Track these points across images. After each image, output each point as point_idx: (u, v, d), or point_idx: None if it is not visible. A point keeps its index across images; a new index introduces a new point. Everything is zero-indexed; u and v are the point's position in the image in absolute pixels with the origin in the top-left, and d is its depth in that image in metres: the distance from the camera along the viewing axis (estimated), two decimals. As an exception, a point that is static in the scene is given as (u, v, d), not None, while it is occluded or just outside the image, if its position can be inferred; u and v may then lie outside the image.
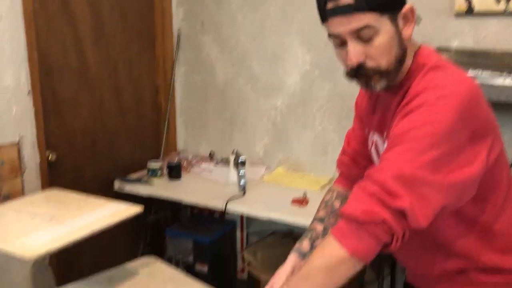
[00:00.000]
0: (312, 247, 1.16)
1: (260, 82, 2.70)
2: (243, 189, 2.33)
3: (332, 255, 0.88)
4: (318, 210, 1.26)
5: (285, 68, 2.62)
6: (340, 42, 0.99)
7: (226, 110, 2.86)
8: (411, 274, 1.18)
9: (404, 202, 0.84)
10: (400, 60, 0.98)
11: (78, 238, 1.28)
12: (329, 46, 2.48)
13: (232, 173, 2.42)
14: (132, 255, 2.73)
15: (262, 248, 2.53)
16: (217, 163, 2.82)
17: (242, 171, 2.35)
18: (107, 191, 2.53)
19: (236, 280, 2.97)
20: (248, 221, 2.92)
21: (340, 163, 1.33)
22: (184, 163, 2.75)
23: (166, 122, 2.92)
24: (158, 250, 2.93)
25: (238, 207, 2.22)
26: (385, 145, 0.99)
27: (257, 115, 2.75)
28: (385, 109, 1.07)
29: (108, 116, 2.61)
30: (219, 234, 2.77)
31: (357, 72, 1.00)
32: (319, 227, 1.21)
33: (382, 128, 1.08)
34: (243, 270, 2.98)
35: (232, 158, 2.40)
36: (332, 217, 1.23)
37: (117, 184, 2.53)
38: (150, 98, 2.89)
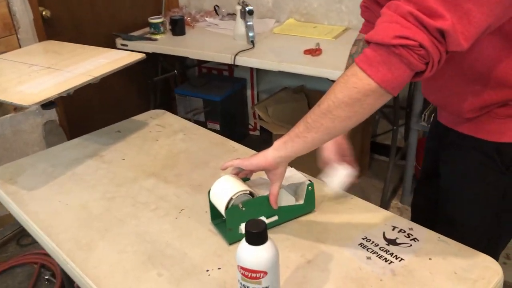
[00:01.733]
0: None
1: None
2: (252, 41, 2.20)
3: (357, 86, 0.79)
4: (346, 67, 1.15)
5: None
6: None
7: (230, -44, 2.59)
8: (442, 112, 1.10)
9: (446, 20, 0.72)
10: None
11: (79, 84, 1.19)
12: None
13: (239, 25, 2.26)
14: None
15: (274, 103, 2.48)
16: (223, 17, 2.64)
17: (250, 22, 2.19)
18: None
19: (249, 137, 2.98)
20: (258, 78, 2.82)
21: (363, 9, 1.18)
22: (188, 18, 2.57)
23: (166, -26, 2.68)
24: (168, 110, 2.90)
25: (248, 60, 2.10)
26: None
27: (264, -40, 2.50)
28: None
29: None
30: (230, 92, 2.71)
31: None
32: None
33: None
34: (254, 128, 2.97)
35: (238, 8, 2.22)
36: None
37: (119, 42, 2.40)
38: None
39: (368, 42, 0.79)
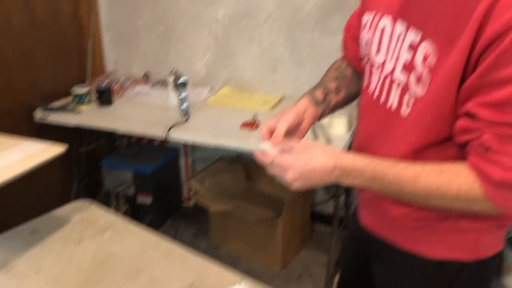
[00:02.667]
0: (325, 99, 1.03)
1: (198, -11, 2.35)
2: (186, 114, 2.08)
3: (473, 209, 0.79)
4: (327, 73, 1.11)
5: (226, -28, 2.27)
6: None
7: (160, 23, 2.50)
8: (365, 210, 1.04)
9: None
10: None
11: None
12: None
13: (172, 97, 2.14)
14: (66, 193, 2.47)
15: (210, 175, 2.35)
16: (153, 84, 2.51)
17: (183, 94, 2.08)
18: (28, 123, 2.19)
19: (182, 209, 2.81)
20: (192, 147, 2.70)
21: (343, 46, 1.15)
22: (115, 87, 2.42)
23: (91, 40, 2.53)
24: (95, 185, 2.68)
25: (181, 135, 1.98)
26: (413, 36, 0.82)
27: (197, 29, 2.43)
28: None
29: (18, 33, 2.19)
30: (162, 163, 2.55)
31: None
32: (332, 84, 1.06)
33: (410, 14, 0.85)
34: (189, 199, 2.81)
35: (171, 79, 2.11)
36: (345, 80, 1.09)
37: (38, 114, 2.19)
38: (69, 10, 2.46)
39: (502, 184, 0.75)
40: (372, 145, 0.93)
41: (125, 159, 2.55)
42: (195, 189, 2.25)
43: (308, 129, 1.00)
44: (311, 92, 1.02)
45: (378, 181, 0.81)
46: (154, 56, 2.57)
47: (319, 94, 1.02)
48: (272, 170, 0.86)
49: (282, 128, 0.90)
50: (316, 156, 0.83)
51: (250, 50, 2.36)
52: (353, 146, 1.06)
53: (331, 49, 2.19)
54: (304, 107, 0.98)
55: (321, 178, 0.83)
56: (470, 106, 0.76)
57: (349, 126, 1.99)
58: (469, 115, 0.77)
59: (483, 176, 0.76)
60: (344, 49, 1.14)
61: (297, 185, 0.84)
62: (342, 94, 1.06)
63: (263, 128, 0.94)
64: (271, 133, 0.92)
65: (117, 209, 2.48)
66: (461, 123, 0.79)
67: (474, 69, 0.75)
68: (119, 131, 2.13)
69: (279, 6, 2.23)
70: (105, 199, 2.55)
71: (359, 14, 1.07)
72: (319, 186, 0.84)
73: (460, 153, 0.82)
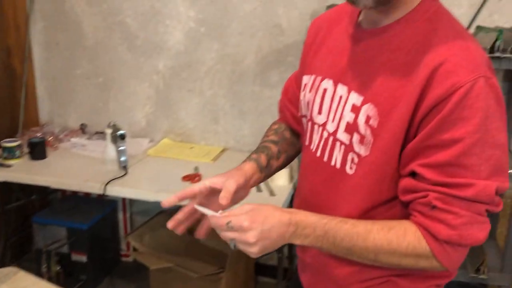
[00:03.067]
0: (268, 164, 1.02)
1: (138, 40, 2.34)
2: (125, 167, 2.02)
3: (424, 266, 0.81)
4: (267, 135, 1.10)
5: (166, 24, 2.28)
6: None
7: (98, 74, 2.45)
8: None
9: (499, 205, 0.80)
10: None
11: None
12: (216, 1, 2.23)
13: (110, 149, 2.07)
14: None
15: (149, 231, 2.26)
16: (90, 136, 2.43)
17: (122, 146, 2.02)
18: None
19: (121, 265, 2.67)
20: (131, 200, 2.60)
21: (280, 110, 1.17)
22: (50, 139, 2.32)
23: (24, 90, 2.43)
24: (25, 243, 2.50)
25: (120, 190, 1.90)
26: (355, 98, 0.84)
27: (137, 80, 2.40)
28: (363, 55, 0.86)
29: None
30: (99, 217, 2.43)
31: None
32: (274, 148, 1.06)
33: (350, 80, 0.87)
34: (128, 255, 2.68)
35: (109, 132, 2.05)
36: (285, 144, 1.09)
37: (-38, 169, 2.04)
38: (0, 60, 2.36)
39: (447, 241, 0.78)
40: (316, 202, 0.93)
41: (59, 214, 2.41)
42: (134, 246, 2.16)
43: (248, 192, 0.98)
44: (257, 157, 1.02)
45: (330, 238, 0.81)
46: (92, 107, 2.50)
47: (263, 159, 1.02)
48: (227, 234, 0.80)
49: (231, 187, 0.88)
50: (271, 213, 0.81)
51: (191, 101, 2.36)
52: (295, 204, 1.06)
53: (271, 102, 2.22)
54: (252, 172, 0.97)
55: (279, 236, 0.80)
56: (415, 166, 0.78)
57: (291, 177, 2.01)
58: (414, 175, 0.80)
59: (429, 234, 0.78)
60: (281, 112, 1.16)
61: (257, 248, 0.78)
62: (282, 159, 1.07)
63: (204, 184, 0.90)
64: (203, 191, 0.90)
65: (48, 269, 2.31)
66: (406, 182, 0.81)
67: (416, 131, 0.78)
68: (52, 186, 2.02)
69: (219, 59, 2.25)
70: (36, 258, 2.38)
71: (296, 77, 1.10)
72: (275, 248, 0.81)
73: (405, 211, 0.84)
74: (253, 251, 0.78)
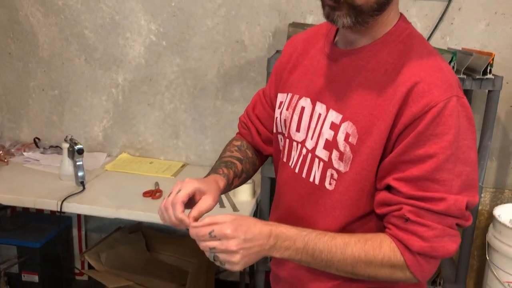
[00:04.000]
0: (232, 182, 1.03)
1: (97, 53, 2.28)
2: (82, 183, 1.95)
3: (399, 277, 0.83)
4: (231, 150, 1.09)
5: (126, 37, 2.25)
6: None
7: (53, 86, 2.37)
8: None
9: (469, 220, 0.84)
10: (382, 3, 0.81)
11: None
12: (178, 15, 2.23)
13: (66, 164, 2.00)
14: None
15: (107, 248, 2.19)
16: (44, 150, 2.34)
17: (79, 161, 1.95)
18: None
19: (75, 284, 2.57)
20: (86, 216, 2.51)
21: (242, 125, 1.15)
22: (0, 152, 2.21)
23: (-28, 101, 2.31)
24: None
25: (78, 207, 1.83)
26: (334, 116, 0.87)
27: (94, 93, 2.34)
28: (341, 75, 0.89)
29: None
30: (52, 235, 2.33)
31: None
32: (239, 166, 1.06)
33: (328, 99, 0.89)
34: (82, 273, 2.58)
35: (65, 146, 1.98)
36: (247, 163, 1.08)
37: None
38: None
39: (419, 253, 0.81)
40: (295, 218, 0.94)
41: (8, 232, 2.29)
42: (91, 264, 2.08)
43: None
44: (228, 173, 1.01)
45: (310, 250, 0.82)
46: (46, 120, 2.41)
47: (231, 177, 1.02)
48: (209, 244, 0.79)
49: (206, 208, 0.88)
50: (253, 224, 0.81)
51: (151, 115, 2.32)
52: (272, 219, 1.06)
53: (233, 117, 2.23)
54: (222, 186, 0.97)
55: (260, 247, 0.80)
56: (390, 180, 0.81)
57: (253, 193, 2.01)
58: (389, 188, 0.82)
59: (403, 245, 0.81)
60: (244, 127, 1.14)
61: (238, 257, 0.78)
62: (242, 178, 1.07)
63: (188, 193, 0.88)
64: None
65: (-3, 291, 2.19)
66: (382, 196, 0.83)
67: (393, 147, 0.81)
68: (3, 203, 1.92)
69: (181, 73, 2.24)
70: (-17, 279, 2.24)
71: (265, 94, 1.10)
72: (254, 261, 0.80)
73: (380, 225, 0.87)
74: (235, 260, 0.78)
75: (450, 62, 1.65)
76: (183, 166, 2.29)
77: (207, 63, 2.21)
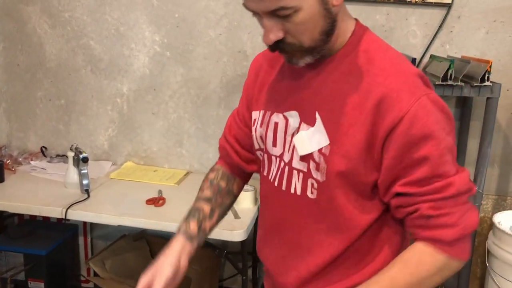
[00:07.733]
0: (200, 229, 1.02)
1: (102, 63, 2.33)
2: (87, 191, 1.98)
3: (444, 270, 0.85)
4: (202, 189, 1.10)
5: (131, 48, 2.29)
6: (258, 16, 0.83)
7: (60, 96, 2.42)
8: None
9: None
10: (328, 31, 0.84)
11: None
12: (182, 26, 2.27)
13: (71, 173, 2.04)
14: None
15: (111, 255, 2.21)
16: (51, 159, 2.38)
17: (84, 170, 1.99)
18: None
19: (81, 292, 2.59)
20: (92, 223, 2.55)
21: (221, 148, 1.16)
22: (8, 161, 2.26)
23: (-19, 111, 2.37)
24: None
25: (82, 214, 1.87)
26: (307, 128, 0.89)
27: (100, 103, 2.39)
28: (308, 89, 0.92)
29: None
30: (58, 243, 2.36)
31: (277, 47, 0.85)
32: (206, 208, 1.06)
33: (299, 112, 0.92)
34: (88, 281, 2.61)
35: (71, 155, 2.02)
36: (219, 197, 1.09)
37: None
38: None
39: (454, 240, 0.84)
40: (280, 229, 0.96)
41: (15, 240, 2.33)
42: (95, 271, 2.11)
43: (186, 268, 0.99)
44: (186, 226, 1.01)
45: None
46: (53, 129, 2.46)
47: (193, 227, 1.01)
48: None
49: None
50: None
51: (155, 124, 2.36)
52: (259, 235, 1.08)
53: (236, 125, 2.25)
54: (179, 252, 0.97)
55: None
56: (397, 188, 0.84)
57: (255, 200, 2.03)
58: (399, 195, 0.85)
59: (437, 243, 0.83)
60: (223, 150, 1.15)
61: None
62: (215, 216, 1.07)
63: None
64: None
65: (3, 298, 2.22)
66: (395, 202, 0.86)
67: (381, 154, 0.83)
68: (10, 210, 1.96)
69: (184, 83, 2.28)
70: (-10, 287, 2.28)
71: (239, 114, 1.11)
72: None
73: (368, 231, 0.89)
74: None
75: (448, 70, 1.66)
76: (186, 174, 2.32)
77: (210, 73, 2.24)
